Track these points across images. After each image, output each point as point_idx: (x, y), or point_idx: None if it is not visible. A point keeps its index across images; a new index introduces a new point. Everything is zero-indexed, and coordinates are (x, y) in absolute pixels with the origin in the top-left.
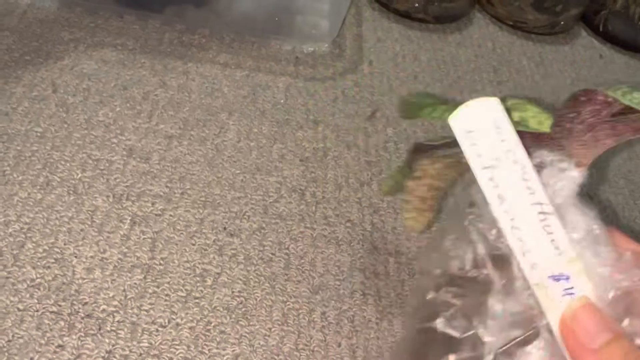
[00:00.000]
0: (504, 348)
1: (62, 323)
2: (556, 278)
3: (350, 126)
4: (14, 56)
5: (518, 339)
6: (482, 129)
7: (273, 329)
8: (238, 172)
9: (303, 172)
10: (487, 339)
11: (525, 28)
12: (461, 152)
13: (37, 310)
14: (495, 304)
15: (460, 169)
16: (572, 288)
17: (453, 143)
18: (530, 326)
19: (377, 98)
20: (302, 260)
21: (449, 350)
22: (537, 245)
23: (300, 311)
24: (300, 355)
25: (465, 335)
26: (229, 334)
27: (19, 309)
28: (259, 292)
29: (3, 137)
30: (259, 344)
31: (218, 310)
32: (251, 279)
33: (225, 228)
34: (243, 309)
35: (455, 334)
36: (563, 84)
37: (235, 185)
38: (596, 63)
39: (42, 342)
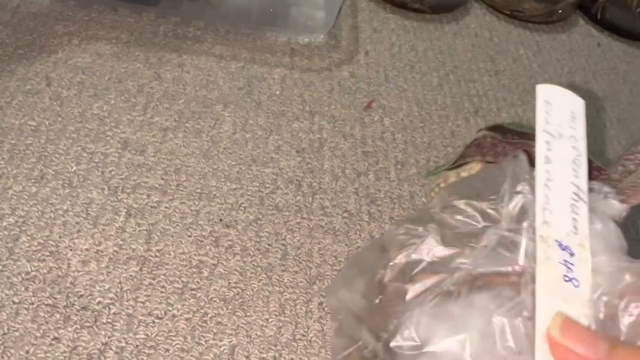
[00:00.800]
0: (480, 273)
1: (58, 316)
2: (562, 246)
3: (347, 117)
4: (7, 50)
5: (498, 272)
6: (561, 108)
7: (270, 320)
8: (234, 163)
9: (299, 163)
10: (467, 259)
11: (522, 17)
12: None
13: (33, 303)
14: (491, 236)
15: None
16: (572, 265)
17: (520, 147)
18: (515, 268)
19: (374, 88)
20: (299, 251)
21: (426, 255)
22: (559, 213)
23: (298, 302)
24: (298, 345)
25: (448, 248)
26: (226, 325)
27: (14, 302)
28: (256, 283)
29: None
30: (256, 334)
31: (214, 301)
32: (248, 270)
33: (221, 219)
34: (240, 300)
35: (439, 244)
36: (561, 72)
37: (231, 176)
38: (594, 51)
39: (38, 334)
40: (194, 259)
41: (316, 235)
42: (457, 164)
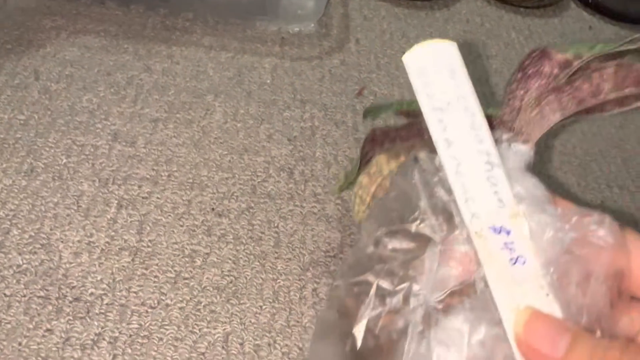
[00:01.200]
0: (437, 300)
1: (50, 307)
2: (497, 230)
3: (338, 104)
4: None
5: (452, 290)
6: (437, 70)
7: (264, 307)
8: (225, 153)
9: (291, 151)
10: (420, 291)
11: (514, 2)
12: (419, 141)
13: (25, 296)
14: (431, 257)
15: None
16: (512, 243)
17: (412, 128)
18: (466, 279)
19: (365, 76)
20: (292, 238)
21: (381, 304)
22: (480, 195)
23: (291, 288)
24: (292, 331)
25: (399, 287)
26: (220, 313)
27: (5, 295)
28: (249, 271)
29: None
30: (250, 321)
31: (208, 290)
32: (241, 258)
33: (213, 209)
34: (233, 288)
35: (388, 286)
36: None
37: (223, 166)
38: (586, 34)
39: (30, 326)
40: (186, 248)
41: (309, 222)
42: (362, 166)
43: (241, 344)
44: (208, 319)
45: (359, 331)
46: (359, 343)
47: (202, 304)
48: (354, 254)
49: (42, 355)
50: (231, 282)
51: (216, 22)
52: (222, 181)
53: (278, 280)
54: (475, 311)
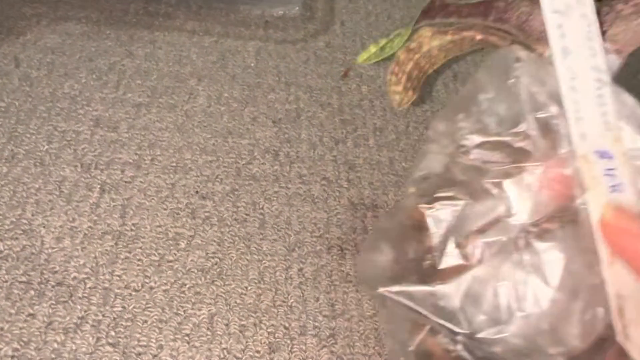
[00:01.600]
0: (533, 223)
1: (32, 292)
2: (601, 154)
3: (324, 86)
4: None
5: (550, 215)
6: None
7: (249, 288)
8: (209, 136)
9: (276, 133)
10: (515, 212)
11: None
12: (479, 23)
13: (6, 281)
14: (531, 176)
15: (457, 51)
16: (614, 169)
17: (478, 7)
18: (565, 204)
19: (350, 57)
20: (278, 219)
21: (469, 222)
22: (589, 115)
23: (277, 269)
24: (278, 311)
25: (491, 206)
26: (204, 295)
27: None
28: (234, 252)
29: None
30: (235, 302)
31: (192, 272)
32: (225, 240)
33: (197, 192)
34: (218, 270)
35: (480, 205)
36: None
37: (207, 149)
38: None
39: (12, 311)
40: (170, 231)
41: (294, 203)
42: (409, 39)
43: (226, 325)
44: (193, 300)
45: (444, 250)
46: (443, 261)
47: (187, 286)
48: (425, 161)
49: (25, 339)
50: (216, 264)
51: (199, 6)
52: (206, 164)
53: (263, 261)
54: (576, 240)
